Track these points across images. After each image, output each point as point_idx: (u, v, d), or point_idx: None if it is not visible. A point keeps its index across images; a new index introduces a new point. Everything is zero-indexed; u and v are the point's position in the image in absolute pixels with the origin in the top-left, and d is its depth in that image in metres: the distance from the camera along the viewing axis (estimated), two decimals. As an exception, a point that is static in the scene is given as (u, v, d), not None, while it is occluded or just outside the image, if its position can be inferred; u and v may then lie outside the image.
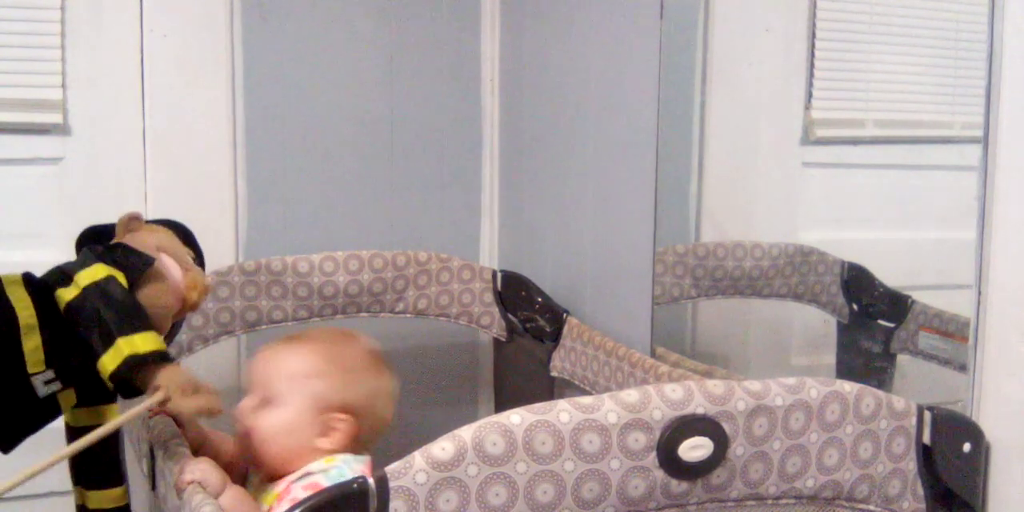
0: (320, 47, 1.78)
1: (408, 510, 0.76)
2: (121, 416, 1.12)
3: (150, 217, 1.67)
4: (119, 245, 1.19)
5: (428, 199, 1.87)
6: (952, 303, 1.12)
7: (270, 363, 1.21)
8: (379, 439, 1.22)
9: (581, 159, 1.61)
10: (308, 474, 1.13)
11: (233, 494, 1.08)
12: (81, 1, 1.62)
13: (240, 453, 1.21)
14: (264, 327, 1.56)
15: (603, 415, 0.80)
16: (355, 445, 1.17)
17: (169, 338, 1.48)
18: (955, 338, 1.10)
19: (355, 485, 0.76)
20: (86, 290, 1.09)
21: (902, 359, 1.23)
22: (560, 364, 1.56)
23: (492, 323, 1.70)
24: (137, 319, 1.09)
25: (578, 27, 1.61)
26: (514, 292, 1.68)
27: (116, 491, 1.25)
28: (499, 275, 1.70)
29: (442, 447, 0.77)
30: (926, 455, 0.93)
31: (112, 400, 1.21)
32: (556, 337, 1.57)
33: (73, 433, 1.22)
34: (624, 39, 1.49)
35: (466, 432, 0.77)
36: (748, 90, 1.45)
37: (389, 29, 1.81)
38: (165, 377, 1.08)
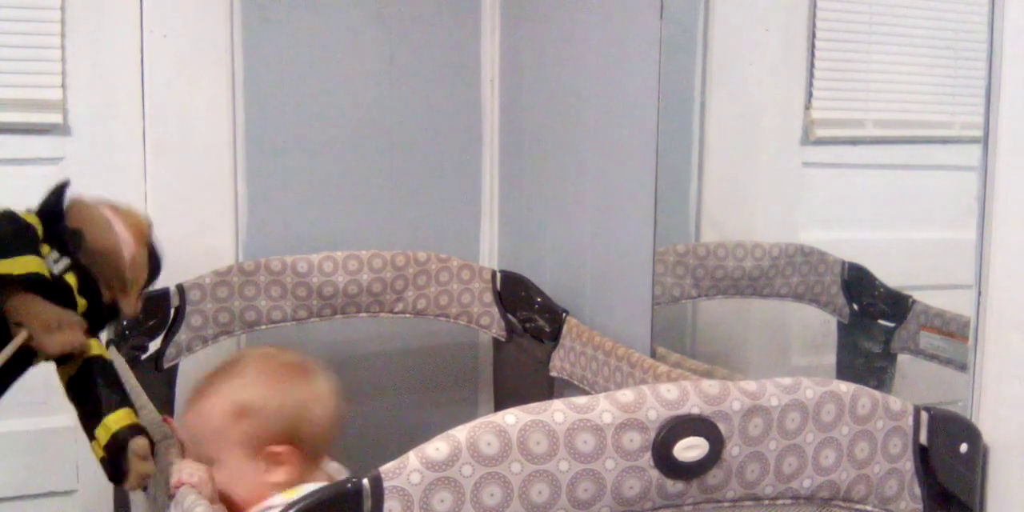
0: (320, 47, 1.78)
1: (403, 510, 0.75)
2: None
3: (151, 217, 1.68)
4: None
5: (428, 199, 1.87)
6: (952, 303, 1.12)
7: (192, 425, 1.17)
8: (332, 443, 1.19)
9: (581, 159, 1.61)
10: (269, 508, 1.11)
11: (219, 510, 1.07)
12: (81, 1, 1.62)
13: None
14: (263, 327, 1.56)
15: (598, 415, 0.79)
16: (309, 462, 1.16)
17: (169, 335, 1.48)
18: (955, 338, 1.10)
19: (349, 485, 0.75)
20: None
21: (902, 359, 1.22)
22: (560, 364, 1.56)
23: (491, 323, 1.70)
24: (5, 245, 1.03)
25: (578, 27, 1.60)
26: (514, 292, 1.68)
27: (119, 413, 1.14)
28: (498, 275, 1.70)
29: (436, 447, 0.76)
30: (923, 455, 0.92)
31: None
32: (556, 337, 1.57)
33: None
34: (624, 39, 1.49)
35: (460, 432, 0.77)
36: (748, 90, 1.45)
37: (389, 29, 1.81)
38: (25, 313, 1.02)
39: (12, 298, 1.04)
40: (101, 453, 1.07)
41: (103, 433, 1.10)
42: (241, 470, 1.13)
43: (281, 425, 1.14)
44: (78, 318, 1.08)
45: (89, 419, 1.15)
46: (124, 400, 1.15)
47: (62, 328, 1.05)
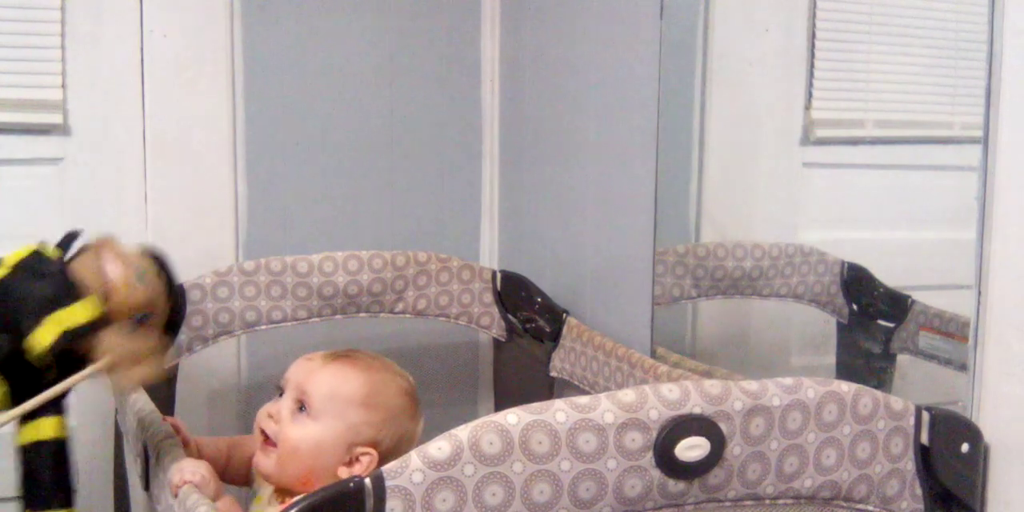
0: (320, 47, 1.78)
1: (405, 510, 0.76)
2: (62, 383, 1.06)
3: (151, 217, 1.68)
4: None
5: (428, 199, 1.87)
6: (952, 303, 1.12)
7: (321, 376, 1.20)
8: None
9: (581, 159, 1.61)
10: None
11: (225, 503, 1.07)
12: (81, 1, 1.62)
13: (258, 457, 1.20)
14: (263, 327, 1.56)
15: (600, 415, 0.79)
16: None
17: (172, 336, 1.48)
18: (955, 338, 1.10)
19: (351, 484, 0.76)
20: (14, 269, 1.04)
21: (902, 359, 1.22)
22: (560, 364, 1.56)
23: (492, 323, 1.70)
24: (72, 290, 1.04)
25: (578, 27, 1.60)
26: (514, 292, 1.68)
27: None
28: (499, 275, 1.70)
29: (438, 447, 0.77)
30: (924, 455, 0.92)
31: (57, 413, 1.14)
32: (556, 337, 1.57)
33: (23, 453, 1.15)
34: (624, 39, 1.49)
35: (462, 432, 0.77)
36: (748, 90, 1.45)
37: (389, 29, 1.81)
38: (108, 344, 1.03)
39: (91, 340, 1.04)
40: None
41: None
42: (325, 444, 1.16)
43: (385, 438, 1.19)
44: (161, 344, 1.08)
45: (28, 504, 1.16)
46: (67, 500, 1.16)
47: (143, 361, 1.05)
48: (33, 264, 1.05)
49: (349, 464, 1.17)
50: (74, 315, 1.03)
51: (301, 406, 1.18)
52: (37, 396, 1.04)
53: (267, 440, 1.19)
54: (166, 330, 1.24)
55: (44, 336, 1.02)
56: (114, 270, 1.13)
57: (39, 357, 1.03)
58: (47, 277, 1.05)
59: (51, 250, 1.09)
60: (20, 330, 1.03)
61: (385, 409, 1.20)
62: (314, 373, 1.20)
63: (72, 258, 1.11)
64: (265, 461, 1.19)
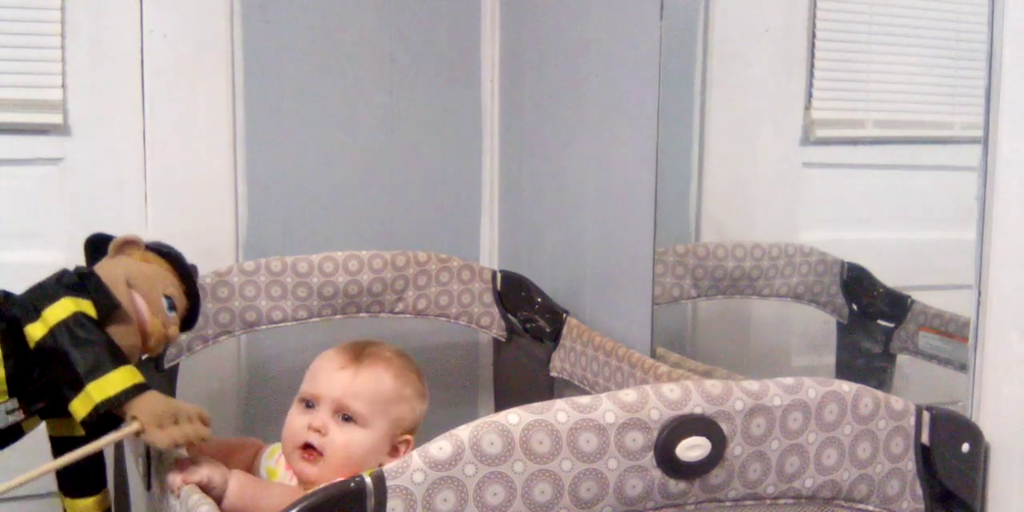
0: (320, 47, 1.78)
1: (406, 509, 0.76)
2: (93, 443, 1.09)
3: (151, 217, 1.68)
4: (93, 277, 1.17)
5: (428, 199, 1.87)
6: (952, 303, 1.12)
7: (357, 386, 1.23)
8: None
9: (581, 159, 1.61)
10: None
11: (240, 481, 1.08)
12: (81, 1, 1.62)
13: (301, 466, 1.22)
14: (263, 327, 1.56)
15: (601, 415, 0.80)
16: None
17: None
18: (955, 338, 1.10)
19: (352, 484, 0.76)
20: (54, 330, 1.07)
21: (902, 359, 1.23)
22: (560, 364, 1.56)
23: (492, 323, 1.70)
24: (108, 358, 1.07)
25: (578, 27, 1.61)
26: (514, 292, 1.68)
27: (89, 501, 1.24)
28: (499, 275, 1.70)
29: (439, 446, 0.77)
30: (925, 455, 0.92)
31: None
32: (556, 337, 1.57)
33: (54, 443, 1.22)
34: (624, 39, 1.49)
35: (463, 432, 0.77)
36: (748, 90, 1.45)
37: (389, 29, 1.81)
38: (140, 408, 1.06)
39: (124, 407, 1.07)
40: None
41: (70, 508, 1.20)
42: (376, 445, 1.22)
43: (416, 422, 1.27)
44: (196, 410, 1.11)
45: (63, 489, 1.24)
46: (98, 485, 1.24)
47: (177, 423, 1.07)
48: (74, 328, 1.08)
49: (392, 453, 1.23)
50: (107, 388, 1.06)
51: (344, 416, 1.22)
52: (68, 454, 1.08)
53: (307, 450, 1.22)
54: (182, 325, 1.30)
55: (80, 408, 1.06)
56: (146, 315, 1.20)
57: (77, 422, 1.08)
58: (86, 345, 1.07)
59: (89, 308, 1.11)
60: (61, 393, 1.07)
61: (412, 394, 1.27)
62: (348, 385, 1.23)
63: (109, 317, 1.14)
64: (311, 469, 1.21)
